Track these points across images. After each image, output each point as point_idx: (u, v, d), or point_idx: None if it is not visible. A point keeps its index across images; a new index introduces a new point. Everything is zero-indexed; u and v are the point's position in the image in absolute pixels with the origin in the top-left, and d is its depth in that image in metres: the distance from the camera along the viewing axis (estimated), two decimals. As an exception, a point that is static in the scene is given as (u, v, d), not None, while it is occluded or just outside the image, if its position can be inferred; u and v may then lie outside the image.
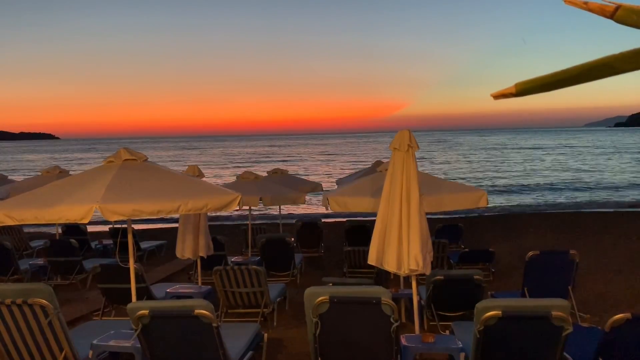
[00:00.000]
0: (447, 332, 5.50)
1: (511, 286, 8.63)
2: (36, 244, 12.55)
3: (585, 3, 0.89)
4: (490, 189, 31.75)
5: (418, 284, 5.62)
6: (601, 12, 0.88)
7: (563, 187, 32.31)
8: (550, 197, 27.95)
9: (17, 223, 4.90)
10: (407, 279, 7.46)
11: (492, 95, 0.99)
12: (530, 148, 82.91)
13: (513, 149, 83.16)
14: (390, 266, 5.07)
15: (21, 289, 4.59)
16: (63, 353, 4.74)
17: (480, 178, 40.28)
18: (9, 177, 14.05)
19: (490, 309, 3.86)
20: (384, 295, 4.13)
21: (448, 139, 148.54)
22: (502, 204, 25.27)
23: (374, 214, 5.41)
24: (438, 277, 6.18)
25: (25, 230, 13.44)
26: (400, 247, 5.01)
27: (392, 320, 4.14)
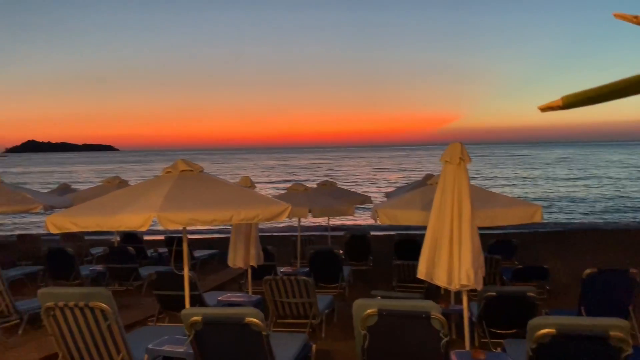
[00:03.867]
0: (499, 349, 5.37)
1: (567, 305, 8.31)
2: (96, 250, 13.11)
3: (636, 17, 0.90)
4: (546, 203, 30.71)
5: (469, 300, 5.52)
6: None
7: (621, 204, 30.89)
8: (609, 214, 26.79)
9: (80, 230, 5.16)
10: (458, 295, 7.33)
11: (539, 107, 1.01)
12: (587, 163, 79.80)
13: (569, 162, 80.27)
14: (440, 281, 5.01)
15: (83, 292, 4.83)
16: (120, 355, 4.94)
17: (535, 192, 39.08)
18: (72, 186, 14.77)
19: (544, 327, 3.75)
20: (434, 309, 4.10)
21: (500, 152, 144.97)
22: (559, 220, 24.41)
23: (424, 228, 5.37)
24: (490, 293, 6.05)
25: (86, 237, 14.07)
26: (451, 262, 4.95)
27: (441, 335, 4.10)
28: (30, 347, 6.61)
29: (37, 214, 10.24)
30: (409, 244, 11.11)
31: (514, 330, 6.16)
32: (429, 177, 10.39)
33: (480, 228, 5.40)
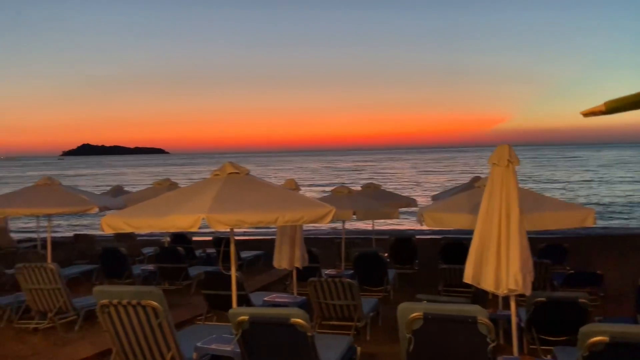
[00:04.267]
0: (549, 356, 5.24)
1: (622, 313, 8.00)
2: (147, 250, 13.54)
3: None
4: (600, 207, 29.57)
5: (518, 305, 5.41)
6: None
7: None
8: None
9: (133, 230, 5.37)
10: (506, 300, 7.18)
11: (581, 113, 1.00)
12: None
13: (623, 164, 76.97)
14: (487, 285, 4.93)
15: (136, 291, 5.02)
16: (170, 353, 5.09)
17: (588, 195, 37.69)
18: (125, 188, 15.31)
19: (596, 334, 3.64)
20: (480, 314, 4.04)
21: (551, 153, 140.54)
22: (613, 224, 23.47)
23: (471, 232, 5.30)
24: (540, 298, 5.90)
25: (138, 237, 14.54)
26: (499, 266, 4.87)
27: (488, 340, 4.04)
28: (86, 343, 6.91)
29: (92, 215, 10.65)
30: (455, 248, 10.95)
31: (564, 338, 5.98)
32: (476, 179, 10.22)
33: (530, 232, 5.29)
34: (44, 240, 11.45)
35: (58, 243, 14.49)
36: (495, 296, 7.43)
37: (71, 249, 14.07)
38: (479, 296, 8.60)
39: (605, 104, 0.94)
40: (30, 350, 6.78)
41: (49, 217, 9.72)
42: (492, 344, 4.03)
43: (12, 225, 17.63)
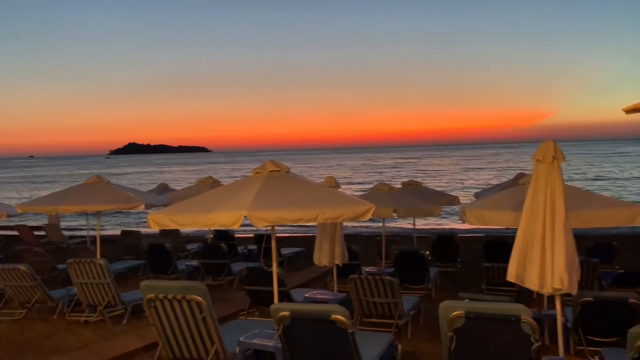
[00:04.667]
0: (596, 358, 5.09)
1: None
2: (191, 246, 13.85)
3: None
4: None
5: (564, 304, 5.28)
6: None
7: None
8: None
9: (178, 227, 5.52)
10: (551, 300, 7.01)
11: (624, 110, 0.99)
12: None
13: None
14: (531, 284, 4.84)
15: (181, 286, 5.16)
16: (214, 347, 5.22)
17: (638, 192, 36.23)
18: (170, 186, 15.70)
19: (647, 336, 3.52)
20: (524, 313, 3.97)
21: (600, 149, 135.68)
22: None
23: (514, 230, 5.20)
24: (587, 298, 5.74)
25: (182, 234, 14.89)
26: (544, 265, 4.76)
27: (532, 340, 3.96)
28: (133, 336, 7.14)
29: (138, 212, 10.97)
30: (499, 246, 10.75)
31: (613, 339, 5.80)
32: (520, 176, 9.99)
33: (577, 230, 5.15)
34: (92, 236, 11.87)
35: (106, 239, 15.01)
36: (540, 295, 7.27)
37: (119, 244, 14.54)
38: (523, 295, 8.43)
39: (647, 100, 0.91)
40: (81, 342, 7.06)
41: (97, 214, 10.09)
42: (537, 344, 3.95)
43: (62, 222, 18.34)
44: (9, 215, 10.23)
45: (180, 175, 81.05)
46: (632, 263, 11.26)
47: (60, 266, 10.80)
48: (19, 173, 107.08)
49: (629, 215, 5.78)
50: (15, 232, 17.35)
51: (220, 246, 10.58)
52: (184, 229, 13.55)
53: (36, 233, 17.08)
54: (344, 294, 7.82)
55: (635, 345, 3.56)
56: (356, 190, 40.44)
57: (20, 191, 56.31)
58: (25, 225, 17.08)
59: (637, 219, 5.73)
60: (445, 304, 4.25)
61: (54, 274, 11.02)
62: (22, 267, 7.94)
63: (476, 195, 12.99)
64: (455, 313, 4.18)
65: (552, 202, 4.81)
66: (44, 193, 15.67)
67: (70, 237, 17.22)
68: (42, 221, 20.99)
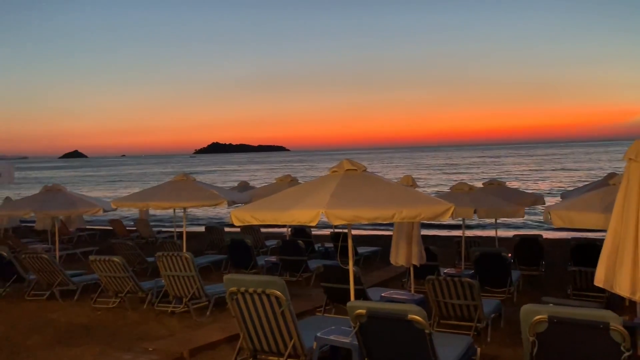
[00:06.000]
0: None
1: None
2: (270, 243, 14.22)
3: None
4: None
5: (659, 313, 4.94)
6: None
7: None
8: None
9: (259, 223, 5.71)
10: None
11: None
12: None
13: None
14: (622, 290, 4.56)
15: (261, 280, 5.34)
16: (292, 341, 5.35)
17: None
18: (251, 184, 16.21)
19: None
20: (613, 320, 3.76)
21: None
22: None
23: (603, 232, 4.93)
24: (686, 308, 5.33)
25: (262, 230, 15.33)
26: (636, 269, 4.48)
27: (622, 349, 3.75)
28: (216, 327, 7.45)
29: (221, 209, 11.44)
30: (587, 249, 10.17)
31: None
32: (611, 176, 9.41)
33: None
34: (179, 231, 12.48)
35: (191, 234, 15.75)
36: (632, 302, 6.83)
37: (203, 239, 15.20)
38: (613, 302, 7.94)
39: None
40: (168, 331, 7.47)
41: (184, 210, 10.61)
42: (627, 353, 3.74)
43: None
44: (105, 211, 10.99)
45: (259, 173, 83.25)
46: None
47: (150, 259, 11.45)
48: (111, 172, 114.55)
49: None
50: (109, 227, 18.59)
51: (298, 243, 10.78)
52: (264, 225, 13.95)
53: (128, 228, 18.21)
54: (422, 295, 7.74)
55: None
56: (434, 190, 39.67)
57: (114, 189, 60.09)
58: (119, 220, 18.26)
59: None
60: (527, 308, 4.12)
61: (143, 266, 11.72)
62: (116, 259, 8.52)
63: (563, 195, 12.38)
64: (537, 317, 4.03)
65: (646, 204, 4.52)
66: (135, 190, 16.68)
67: (159, 232, 18.20)
68: (132, 217, 22.32)
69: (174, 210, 11.39)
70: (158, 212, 20.59)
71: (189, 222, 15.31)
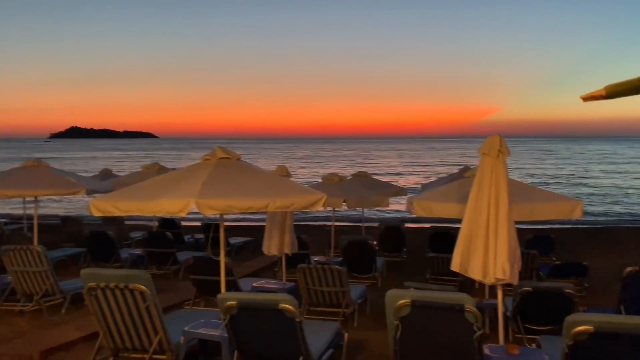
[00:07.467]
0: (534, 345, 5.30)
1: (606, 303, 8.12)
2: (135, 235, 13.48)
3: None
4: (587, 199, 29.87)
5: (504, 294, 5.46)
6: None
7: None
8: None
9: (122, 214, 5.32)
10: (493, 290, 7.25)
11: (581, 97, 1.00)
12: (631, 157, 77.11)
13: (612, 157, 77.75)
14: (475, 274, 4.96)
15: (123, 274, 4.99)
16: (158, 336, 5.09)
17: (575, 186, 38.07)
18: (114, 172, 15.18)
19: (581, 324, 3.68)
20: (468, 302, 4.07)
21: (542, 146, 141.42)
22: (599, 217, 23.73)
23: (459, 221, 5.32)
24: (526, 288, 5.97)
25: (126, 222, 14.46)
26: (487, 255, 4.90)
27: (475, 328, 4.07)
28: (72, 326, 6.87)
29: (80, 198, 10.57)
30: (443, 237, 11.03)
31: (549, 327, 6.06)
32: (466, 169, 10.26)
33: (517, 222, 5.32)
34: (30, 223, 11.34)
35: (45, 226, 14.38)
36: (481, 285, 7.51)
37: (59, 231, 13.96)
38: (466, 285, 8.68)
39: (606, 88, 0.93)
40: (15, 332, 6.75)
41: (35, 199, 9.63)
42: (479, 332, 4.07)
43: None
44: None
45: (124, 161, 78.67)
46: (567, 255, 11.82)
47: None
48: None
49: (568, 209, 6.04)
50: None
51: (166, 234, 10.34)
52: (128, 216, 13.16)
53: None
54: (293, 284, 7.82)
55: (570, 332, 3.72)
56: (305, 180, 40.48)
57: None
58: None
59: (576, 212, 5.99)
60: (392, 293, 4.30)
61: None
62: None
63: (423, 187, 13.25)
64: (401, 301, 4.24)
65: (497, 195, 4.94)
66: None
67: (6, 224, 16.39)
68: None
69: (24, 199, 10.28)
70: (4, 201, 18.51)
71: (44, 215, 14.00)
